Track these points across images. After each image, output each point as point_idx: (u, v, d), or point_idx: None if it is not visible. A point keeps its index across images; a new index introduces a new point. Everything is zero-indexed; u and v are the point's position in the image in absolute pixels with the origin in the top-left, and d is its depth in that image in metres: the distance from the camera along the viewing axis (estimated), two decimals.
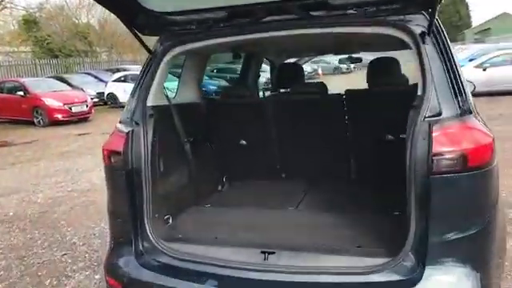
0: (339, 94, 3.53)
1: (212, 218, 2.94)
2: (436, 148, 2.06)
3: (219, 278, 2.32)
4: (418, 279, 2.07)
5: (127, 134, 2.58)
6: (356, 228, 2.60)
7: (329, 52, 5.02)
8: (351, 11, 2.46)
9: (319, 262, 2.27)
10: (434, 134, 2.07)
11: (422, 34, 2.30)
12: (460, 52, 19.75)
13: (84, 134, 13.01)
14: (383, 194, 3.18)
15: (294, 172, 3.68)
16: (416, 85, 3.45)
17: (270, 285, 2.24)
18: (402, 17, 2.38)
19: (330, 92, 3.62)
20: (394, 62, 4.05)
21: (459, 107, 2.17)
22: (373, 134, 3.37)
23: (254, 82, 4.70)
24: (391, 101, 3.24)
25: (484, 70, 14.67)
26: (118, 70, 22.99)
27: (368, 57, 4.88)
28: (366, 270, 2.15)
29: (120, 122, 2.77)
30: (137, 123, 2.66)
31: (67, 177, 7.94)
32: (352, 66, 33.95)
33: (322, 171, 3.58)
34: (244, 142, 3.65)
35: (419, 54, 2.28)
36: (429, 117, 2.15)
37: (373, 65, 3.83)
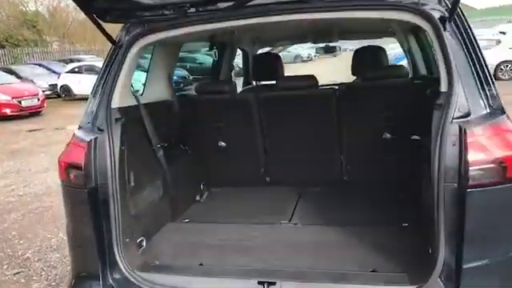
0: (331, 88, 3.16)
1: (193, 238, 2.52)
2: (471, 156, 1.72)
3: None
4: None
5: (89, 143, 2.12)
6: (364, 246, 2.25)
7: (318, 39, 4.62)
8: None
9: None
10: (468, 140, 1.73)
11: (442, 20, 1.94)
12: None
13: (36, 130, 12.12)
14: (387, 202, 2.86)
15: (280, 177, 3.30)
16: (423, 77, 3.17)
17: None
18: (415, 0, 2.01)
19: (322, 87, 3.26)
20: (383, 52, 3.72)
21: (489, 106, 1.85)
22: (370, 132, 3.03)
23: (228, 74, 4.27)
24: (391, 96, 2.91)
25: None
26: (72, 61, 21.87)
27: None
28: None
29: (79, 128, 2.29)
30: (100, 129, 2.20)
31: (18, 179, 7.24)
32: (313, 54, 34.02)
33: (313, 175, 3.21)
34: (223, 144, 3.23)
35: (440, 43, 1.92)
36: (457, 118, 1.80)
37: (363, 54, 3.48)
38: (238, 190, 3.25)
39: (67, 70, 19.04)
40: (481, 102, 1.85)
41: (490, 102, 1.86)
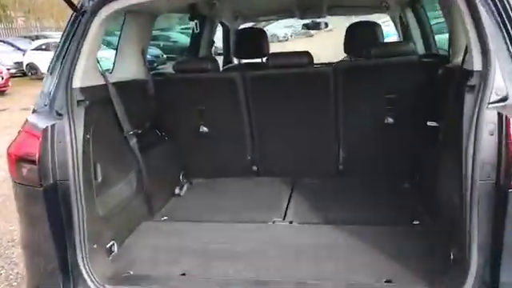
0: (329, 65, 2.82)
1: (173, 241, 2.16)
2: None
3: None
4: None
5: (44, 131, 1.74)
6: (373, 250, 1.94)
7: (305, 14, 4.23)
8: None
9: None
10: (511, 129, 1.43)
11: None
12: None
13: (0, 111, 11.44)
14: (391, 196, 2.56)
15: (269, 166, 2.95)
16: (433, 55, 2.85)
17: None
18: None
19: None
20: (379, 28, 3.40)
21: None
22: (370, 116, 2.71)
23: (208, 51, 3.87)
24: (396, 76, 2.59)
25: None
26: (38, 38, 20.86)
27: None
28: None
29: (33, 113, 1.90)
30: (59, 114, 1.81)
31: None
32: (289, 34, 33.45)
33: (305, 164, 2.88)
34: (205, 129, 2.86)
35: (473, 12, 1.60)
36: (494, 102, 1.49)
37: (357, 30, 3.15)
38: (222, 182, 2.90)
39: (33, 47, 18.17)
40: None
41: None
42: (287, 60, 2.71)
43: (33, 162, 1.72)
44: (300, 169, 2.91)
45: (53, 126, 1.77)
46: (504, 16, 1.61)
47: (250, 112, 2.79)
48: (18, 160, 1.77)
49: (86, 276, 1.76)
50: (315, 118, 2.76)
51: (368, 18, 4.13)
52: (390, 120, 2.69)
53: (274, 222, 2.29)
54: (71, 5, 1.92)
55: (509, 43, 1.59)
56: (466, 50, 1.82)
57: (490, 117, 1.49)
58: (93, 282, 1.75)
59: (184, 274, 1.87)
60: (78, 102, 1.84)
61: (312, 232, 2.14)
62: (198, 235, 2.18)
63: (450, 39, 2.45)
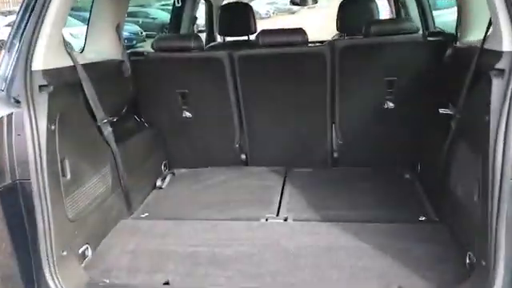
0: (325, 44, 2.57)
1: (154, 242, 1.91)
2: None
3: None
4: None
5: None
6: (379, 251, 1.74)
7: None
8: None
9: None
10: None
11: None
12: None
13: None
14: (391, 188, 2.36)
15: (259, 154, 2.72)
16: (439, 33, 2.62)
17: None
18: None
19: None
20: (375, 4, 3.16)
21: None
22: (369, 100, 2.49)
23: (190, 28, 3.59)
24: (397, 56, 2.37)
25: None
26: (11, 13, 19.95)
27: None
28: None
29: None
30: (18, 101, 1.54)
31: None
32: (271, 11, 32.90)
33: (298, 152, 2.65)
34: (189, 114, 2.60)
35: None
36: None
37: (351, 7, 2.92)
38: (207, 172, 2.65)
39: (6, 23, 17.39)
40: None
41: None
42: (280, 38, 2.44)
43: None
44: (292, 157, 2.68)
45: (9, 116, 1.51)
46: None
47: (238, 95, 2.53)
48: None
49: (56, 282, 1.52)
50: (309, 101, 2.53)
51: None
52: (390, 105, 2.48)
53: (267, 220, 2.06)
54: None
55: None
56: (488, 28, 1.60)
57: None
58: None
59: (167, 283, 1.64)
60: (40, 87, 1.56)
61: (309, 231, 1.92)
62: (182, 236, 1.94)
63: (459, 16, 2.22)
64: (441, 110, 1.89)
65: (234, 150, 2.71)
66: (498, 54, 1.39)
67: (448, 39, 2.28)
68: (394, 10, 4.10)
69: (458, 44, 2.17)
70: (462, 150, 1.72)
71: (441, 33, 2.51)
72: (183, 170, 2.71)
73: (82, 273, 1.67)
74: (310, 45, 2.53)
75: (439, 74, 2.24)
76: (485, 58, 1.56)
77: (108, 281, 1.67)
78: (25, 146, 1.48)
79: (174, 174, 2.64)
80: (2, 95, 1.63)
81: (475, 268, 1.49)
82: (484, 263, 1.40)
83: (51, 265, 1.54)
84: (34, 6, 1.60)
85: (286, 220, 2.05)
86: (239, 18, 3.22)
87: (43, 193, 1.50)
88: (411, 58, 2.35)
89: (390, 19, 3.19)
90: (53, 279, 1.54)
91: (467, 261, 1.59)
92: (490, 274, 1.36)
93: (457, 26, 2.24)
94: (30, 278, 1.54)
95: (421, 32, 2.46)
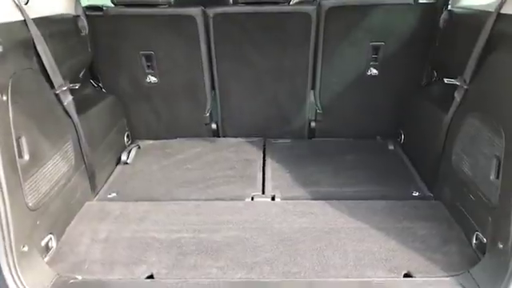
0: (312, 2, 2.36)
1: (129, 226, 1.67)
2: None
3: None
4: None
5: None
6: (378, 232, 1.62)
7: None
8: None
9: None
10: None
11: None
12: None
13: None
14: (378, 160, 2.24)
15: (233, 123, 2.50)
16: None
17: None
18: None
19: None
20: None
21: None
22: (353, 65, 2.32)
23: None
24: (387, 18, 2.21)
25: None
26: None
27: None
28: None
29: None
30: None
31: None
32: None
33: (278, 121, 2.47)
34: (154, 79, 2.32)
35: None
36: None
37: None
38: (177, 144, 2.40)
39: None
40: None
41: None
42: None
43: None
44: (268, 127, 2.49)
45: None
46: None
47: (211, 58, 2.27)
48: None
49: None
50: (289, 66, 2.32)
51: None
52: (374, 71, 2.33)
53: (252, 199, 1.88)
54: None
55: None
56: None
57: None
58: None
59: (152, 277, 1.43)
60: None
61: (303, 212, 1.76)
62: (161, 220, 1.72)
63: None
64: (446, 80, 1.76)
65: (204, 118, 2.47)
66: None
67: (440, 2, 2.14)
68: None
69: (453, 8, 2.03)
70: (472, 125, 1.60)
71: None
72: (149, 142, 2.44)
73: (47, 269, 1.42)
74: (293, 3, 2.31)
75: (431, 41, 2.11)
76: (504, 24, 1.43)
77: (80, 277, 1.43)
78: None
79: (139, 146, 2.37)
80: None
81: (489, 250, 1.40)
82: (501, 246, 1.31)
83: (11, 264, 1.28)
84: None
85: (273, 199, 1.88)
86: None
87: None
88: (400, 22, 2.20)
89: None
90: (14, 280, 1.28)
91: (474, 241, 1.51)
92: (508, 257, 1.28)
93: None
94: None
95: None
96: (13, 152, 1.33)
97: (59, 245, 1.57)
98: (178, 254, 1.52)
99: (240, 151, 2.33)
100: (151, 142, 2.45)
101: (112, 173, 2.15)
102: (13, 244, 1.29)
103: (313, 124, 2.51)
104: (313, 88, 2.41)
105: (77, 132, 1.78)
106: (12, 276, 1.29)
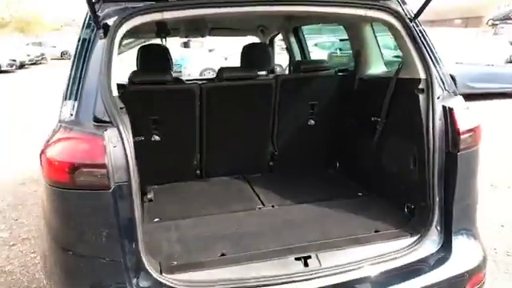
0: (270, 78, 3.34)
1: (188, 232, 2.37)
2: (460, 127, 2.21)
3: None
4: (450, 247, 2.23)
5: (103, 137, 1.83)
6: (349, 215, 2.57)
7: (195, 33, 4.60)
8: None
9: (359, 253, 2.15)
10: (457, 117, 2.21)
11: (409, 20, 2.38)
12: None
13: None
14: (326, 180, 3.22)
15: (214, 167, 3.30)
16: (346, 70, 3.60)
17: None
18: (380, 1, 2.39)
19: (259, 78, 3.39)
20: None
21: (451, 88, 2.37)
22: (298, 119, 3.33)
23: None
24: (319, 85, 3.28)
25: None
26: None
27: None
28: (408, 249, 2.17)
29: (61, 122, 1.95)
30: (102, 121, 1.91)
31: None
32: None
33: (247, 163, 3.33)
34: (157, 138, 3.05)
35: (411, 37, 2.36)
36: (440, 97, 2.28)
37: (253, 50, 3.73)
38: (177, 186, 3.12)
39: None
40: (445, 85, 2.36)
41: (446, 85, 2.38)
42: (238, 73, 3.13)
43: (100, 166, 1.80)
44: (241, 168, 3.34)
45: (106, 132, 1.86)
46: (426, 41, 2.42)
47: (202, 120, 3.10)
48: (75, 167, 1.80)
49: (148, 268, 1.90)
50: (256, 123, 3.25)
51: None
52: (312, 122, 3.36)
53: (260, 208, 2.70)
54: (96, 19, 2.03)
55: (436, 58, 2.39)
56: (399, 66, 2.60)
57: (439, 109, 2.25)
58: (154, 272, 1.91)
59: (223, 255, 2.15)
60: (120, 108, 1.97)
61: (296, 211, 2.64)
62: (204, 227, 2.44)
63: (356, 59, 3.26)
64: (373, 118, 2.83)
65: (191, 166, 3.23)
66: (417, 80, 2.36)
67: (351, 74, 3.30)
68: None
69: (361, 76, 3.19)
70: (392, 141, 2.67)
71: (345, 70, 3.54)
72: (155, 187, 3.11)
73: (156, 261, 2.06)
74: (259, 78, 3.28)
75: (347, 98, 3.23)
76: (403, 83, 2.54)
77: (175, 262, 2.08)
78: (121, 154, 1.86)
79: (151, 189, 3.03)
80: (74, 119, 1.95)
81: (415, 210, 2.40)
82: (423, 204, 2.31)
83: (144, 249, 1.91)
84: (105, 50, 1.99)
85: (273, 207, 2.73)
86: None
87: (138, 192, 1.90)
88: (328, 87, 3.29)
89: (312, 60, 4.16)
90: (146, 261, 1.90)
91: (405, 210, 2.51)
92: (429, 209, 2.27)
93: (355, 66, 3.28)
94: (131, 259, 1.88)
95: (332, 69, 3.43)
96: (137, 175, 2.00)
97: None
98: (236, 240, 2.27)
99: (231, 184, 3.16)
100: (157, 187, 3.12)
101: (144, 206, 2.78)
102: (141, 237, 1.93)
103: (270, 163, 3.43)
104: (272, 137, 3.35)
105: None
106: (145, 258, 1.90)
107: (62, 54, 35.02)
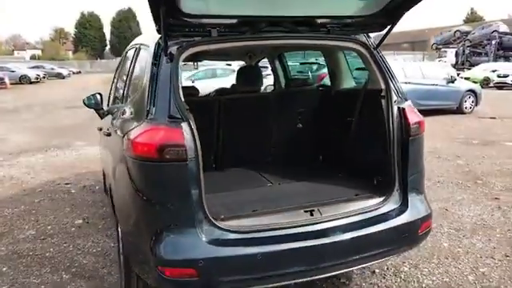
0: (268, 92, 4.35)
1: (227, 200, 3.24)
2: (410, 121, 3.28)
3: (290, 237, 2.88)
4: (407, 204, 3.26)
5: (182, 127, 2.75)
6: (337, 185, 3.55)
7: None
8: (324, 29, 3.38)
9: (347, 208, 3.14)
10: (408, 114, 3.28)
11: (373, 48, 3.46)
12: None
13: None
14: (314, 166, 4.23)
15: (227, 161, 4.23)
16: (323, 85, 4.65)
17: (324, 231, 2.97)
18: (352, 35, 3.46)
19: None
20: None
21: (403, 95, 3.45)
22: (289, 123, 4.35)
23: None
24: (305, 97, 4.32)
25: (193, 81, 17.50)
26: None
27: None
28: (379, 205, 3.18)
29: (148, 119, 2.85)
30: (176, 118, 2.81)
31: None
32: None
33: (250, 156, 4.30)
34: None
35: (376, 61, 3.43)
36: (396, 101, 3.34)
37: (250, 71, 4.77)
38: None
39: None
40: (397, 93, 3.44)
41: (399, 93, 3.46)
42: (246, 88, 4.13)
43: (181, 146, 2.70)
44: (246, 160, 4.29)
45: (184, 126, 2.77)
46: (384, 63, 3.50)
47: (219, 125, 4.05)
48: (164, 147, 2.70)
49: (208, 213, 2.80)
50: (259, 126, 4.23)
51: None
52: (300, 125, 4.38)
53: (270, 186, 3.67)
54: (166, 51, 2.95)
55: (391, 74, 3.46)
56: (366, 81, 3.67)
57: (396, 109, 3.31)
58: (213, 218, 2.81)
59: (255, 210, 3.08)
60: (186, 109, 2.89)
61: (297, 185, 3.62)
62: (235, 196, 3.35)
63: (332, 76, 4.34)
64: (348, 118, 3.87)
65: (209, 161, 4.15)
66: (380, 90, 3.42)
67: (328, 88, 4.36)
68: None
69: (338, 89, 4.25)
70: (363, 134, 3.70)
71: (323, 85, 4.61)
72: None
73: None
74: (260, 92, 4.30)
75: (327, 106, 4.27)
76: (370, 92, 3.59)
77: (223, 216, 2.97)
78: (191, 139, 2.77)
79: None
80: (155, 117, 2.85)
81: (382, 181, 3.43)
82: (388, 176, 3.34)
83: (205, 201, 2.80)
84: (172, 72, 2.90)
85: (279, 184, 3.69)
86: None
87: (201, 164, 2.81)
88: (311, 98, 4.33)
89: (300, 78, 5.24)
90: (207, 210, 2.79)
91: (375, 181, 3.52)
92: (392, 179, 3.30)
93: (331, 81, 4.35)
94: (197, 209, 2.76)
95: (314, 85, 4.50)
96: (199, 153, 2.91)
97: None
98: (261, 200, 3.22)
99: (241, 172, 4.09)
100: None
101: None
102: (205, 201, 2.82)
103: (269, 157, 4.41)
104: (270, 135, 4.34)
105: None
106: (206, 208, 2.79)
107: (21, 78, 37.67)
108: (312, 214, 3.04)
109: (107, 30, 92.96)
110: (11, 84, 33.39)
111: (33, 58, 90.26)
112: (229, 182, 3.79)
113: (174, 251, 2.74)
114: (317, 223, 2.99)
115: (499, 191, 6.20)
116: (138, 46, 3.83)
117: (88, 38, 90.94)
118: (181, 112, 2.82)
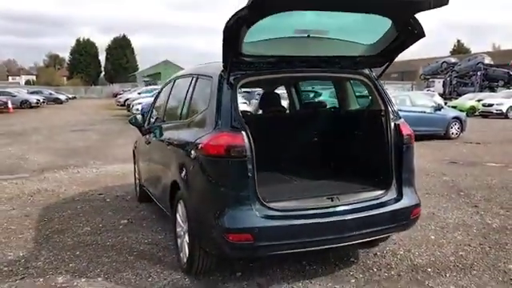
0: (290, 112, 5.54)
1: (270, 189, 4.25)
2: (403, 133, 4.42)
3: (317, 215, 3.96)
4: (402, 195, 4.35)
5: (242, 134, 3.85)
6: (345, 183, 4.62)
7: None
8: (338, 65, 4.55)
9: (357, 197, 4.24)
10: (402, 128, 4.42)
11: (375, 79, 4.63)
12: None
13: None
14: (326, 168, 5.34)
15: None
16: (334, 107, 5.80)
17: (341, 212, 4.05)
18: (359, 70, 4.63)
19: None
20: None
21: (397, 114, 4.59)
22: (307, 137, 5.48)
23: None
24: (320, 117, 5.47)
25: None
26: None
27: None
28: (381, 196, 4.28)
29: (215, 129, 3.94)
30: (236, 127, 3.91)
31: None
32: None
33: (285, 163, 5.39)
34: None
35: (377, 88, 4.59)
36: (391, 119, 4.48)
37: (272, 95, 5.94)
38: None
39: None
40: (393, 113, 4.57)
41: (395, 113, 4.59)
42: (276, 108, 5.28)
43: (242, 146, 3.80)
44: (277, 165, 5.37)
45: (241, 132, 3.88)
46: (383, 90, 4.66)
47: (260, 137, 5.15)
48: (230, 147, 3.79)
49: (259, 196, 3.87)
50: (284, 138, 5.34)
51: None
52: (315, 139, 5.51)
53: (295, 182, 4.77)
54: (228, 81, 4.08)
55: (388, 98, 4.61)
56: (370, 103, 4.82)
57: (393, 125, 4.45)
58: (263, 199, 3.88)
59: (291, 196, 4.15)
60: (243, 122, 3.99)
61: (319, 182, 4.70)
62: (274, 187, 4.42)
63: (340, 100, 5.50)
64: (355, 132, 4.99)
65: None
66: (380, 111, 4.55)
67: (338, 109, 5.52)
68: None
69: (347, 110, 5.40)
70: (368, 144, 4.81)
71: (334, 107, 5.77)
72: None
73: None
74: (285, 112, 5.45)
75: (338, 123, 5.41)
76: (372, 112, 4.73)
77: (267, 199, 4.04)
78: (248, 143, 3.86)
79: None
80: (222, 126, 3.95)
81: (382, 178, 4.52)
82: (387, 175, 4.43)
83: (258, 187, 3.87)
84: (232, 96, 4.04)
85: (302, 180, 4.79)
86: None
87: (255, 161, 3.89)
88: (325, 117, 5.48)
89: (317, 101, 6.39)
90: (259, 195, 3.86)
91: (377, 179, 4.60)
92: (390, 177, 4.39)
93: (339, 104, 5.51)
94: (253, 192, 3.83)
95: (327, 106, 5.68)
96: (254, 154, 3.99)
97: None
98: (292, 191, 4.30)
99: (279, 173, 5.18)
100: None
101: None
102: (257, 186, 3.89)
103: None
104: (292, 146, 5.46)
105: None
106: (259, 194, 3.87)
107: (22, 102, 39.80)
108: (332, 200, 4.12)
109: (102, 57, 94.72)
110: (13, 108, 34.36)
111: (27, 83, 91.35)
112: (264, 179, 4.84)
113: (235, 222, 3.79)
114: (336, 206, 4.07)
115: (478, 201, 7.17)
116: (195, 77, 4.94)
117: (83, 64, 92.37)
118: (240, 123, 3.92)
